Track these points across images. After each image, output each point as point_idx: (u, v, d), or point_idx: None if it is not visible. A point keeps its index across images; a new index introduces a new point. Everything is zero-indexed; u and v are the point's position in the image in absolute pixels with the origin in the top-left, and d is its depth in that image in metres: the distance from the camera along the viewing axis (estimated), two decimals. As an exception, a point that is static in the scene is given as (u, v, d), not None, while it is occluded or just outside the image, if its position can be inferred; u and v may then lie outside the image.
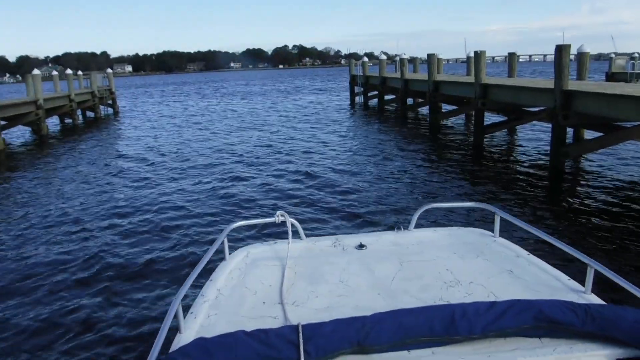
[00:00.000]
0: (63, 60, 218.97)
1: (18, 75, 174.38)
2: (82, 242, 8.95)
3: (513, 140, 17.97)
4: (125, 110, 39.86)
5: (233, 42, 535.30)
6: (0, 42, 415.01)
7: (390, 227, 3.46)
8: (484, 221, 8.40)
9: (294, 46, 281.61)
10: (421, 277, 2.52)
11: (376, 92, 31.50)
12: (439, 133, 20.33)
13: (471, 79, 19.31)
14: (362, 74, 33.41)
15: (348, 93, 39.33)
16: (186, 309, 2.22)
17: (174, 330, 2.05)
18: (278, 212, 2.95)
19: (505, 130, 18.53)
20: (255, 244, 3.12)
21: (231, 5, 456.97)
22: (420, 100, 25.89)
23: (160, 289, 6.78)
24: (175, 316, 2.00)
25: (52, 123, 30.09)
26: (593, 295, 2.29)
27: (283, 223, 2.96)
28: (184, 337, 2.04)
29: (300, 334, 1.80)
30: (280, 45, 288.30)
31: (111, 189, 13.13)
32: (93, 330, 5.84)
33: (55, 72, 30.25)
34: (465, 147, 17.04)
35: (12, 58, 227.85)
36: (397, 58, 36.11)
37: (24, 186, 13.88)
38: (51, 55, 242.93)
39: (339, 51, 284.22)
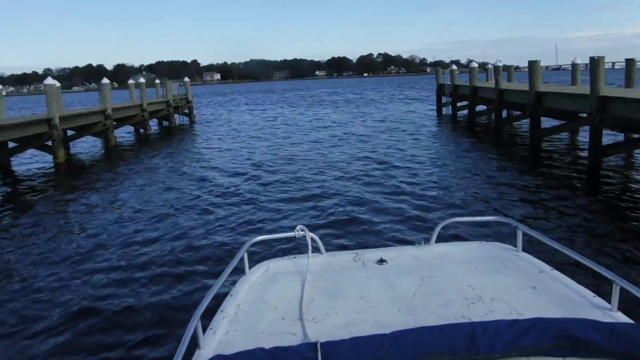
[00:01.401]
0: (156, 69, 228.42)
1: (114, 83, 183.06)
2: (109, 254, 8.88)
3: (631, 162, 14.82)
4: (203, 119, 39.07)
5: (318, 50, 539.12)
6: (99, 51, 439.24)
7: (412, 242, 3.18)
8: (506, 236, 7.43)
9: (379, 54, 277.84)
10: (442, 293, 2.45)
11: (466, 103, 28.72)
12: (541, 151, 17.45)
13: (583, 89, 16.35)
14: (450, 82, 30.64)
15: (434, 103, 36.87)
16: (206, 324, 2.20)
17: (193, 346, 2.02)
18: (298, 227, 2.89)
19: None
20: (276, 258, 3.07)
21: (317, 14, 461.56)
22: (516, 113, 23.09)
23: (181, 304, 6.61)
24: (195, 332, 1.99)
25: (126, 132, 29.55)
26: (619, 313, 2.21)
27: (303, 237, 2.89)
28: (203, 354, 2.04)
29: (319, 352, 1.77)
30: (365, 53, 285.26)
31: (164, 201, 12.45)
32: (110, 346, 5.68)
33: (131, 81, 29.62)
34: (576, 171, 14.13)
35: (109, 66, 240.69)
36: (490, 66, 33.13)
37: (77, 200, 12.95)
38: (145, 64, 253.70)
39: (424, 59, 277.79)
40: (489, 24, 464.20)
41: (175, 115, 33.72)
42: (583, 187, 12.57)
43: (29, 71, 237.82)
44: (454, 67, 30.96)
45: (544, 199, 11.28)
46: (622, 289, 2.17)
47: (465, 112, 28.96)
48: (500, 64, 22.23)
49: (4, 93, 19.15)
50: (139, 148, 23.75)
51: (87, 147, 23.91)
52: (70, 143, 23.00)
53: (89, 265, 8.28)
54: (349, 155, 18.39)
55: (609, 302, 2.26)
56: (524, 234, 2.95)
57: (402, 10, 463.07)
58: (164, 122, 33.28)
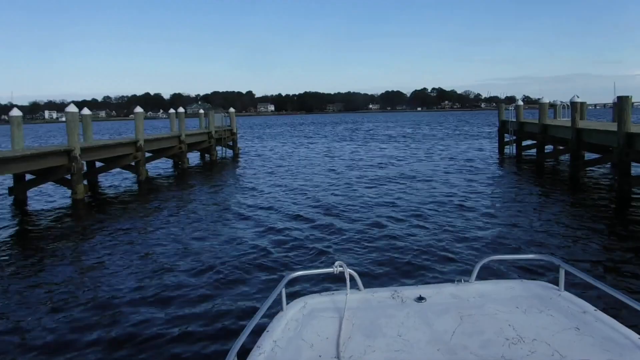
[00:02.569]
0: (212, 99, 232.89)
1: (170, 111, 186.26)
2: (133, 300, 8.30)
3: None
4: (250, 152, 37.45)
5: (371, 84, 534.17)
6: (157, 81, 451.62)
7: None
8: (548, 275, 7.35)
9: (433, 89, 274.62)
10: (482, 332, 2.41)
11: (532, 142, 26.02)
12: (629, 201, 14.58)
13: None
14: (515, 119, 27.88)
15: (494, 140, 34.14)
16: None
17: None
18: (336, 263, 2.85)
19: None
20: (313, 294, 2.99)
21: (371, 48, 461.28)
22: (589, 155, 20.20)
23: (218, 339, 6.48)
24: None
25: (163, 165, 28.02)
26: None
27: (342, 274, 2.82)
28: None
29: None
30: (418, 87, 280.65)
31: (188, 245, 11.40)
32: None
33: (172, 110, 28.09)
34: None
35: (166, 95, 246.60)
36: (559, 102, 30.13)
37: (94, 237, 11.83)
38: (201, 93, 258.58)
39: (478, 94, 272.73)
40: (546, 60, 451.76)
41: (218, 148, 32.05)
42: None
43: (88, 98, 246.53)
44: (520, 102, 28.17)
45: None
46: None
47: (532, 152, 26.47)
48: (578, 100, 19.43)
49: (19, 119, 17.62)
50: (173, 183, 21.97)
51: (115, 181, 22.21)
52: (99, 176, 21.54)
53: (120, 299, 8.07)
54: (398, 191, 17.67)
55: None
56: (567, 273, 2.86)
57: (457, 46, 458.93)
58: (206, 155, 31.63)
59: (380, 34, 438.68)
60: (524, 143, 27.54)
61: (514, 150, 28.20)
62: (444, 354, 2.20)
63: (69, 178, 16.44)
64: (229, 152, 34.34)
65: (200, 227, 12.84)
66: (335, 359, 2.21)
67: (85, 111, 21.00)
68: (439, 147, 37.88)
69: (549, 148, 25.16)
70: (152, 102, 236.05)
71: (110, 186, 20.81)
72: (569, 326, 2.43)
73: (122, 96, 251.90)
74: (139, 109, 21.83)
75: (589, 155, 21.13)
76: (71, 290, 8.54)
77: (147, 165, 25.36)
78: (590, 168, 20.63)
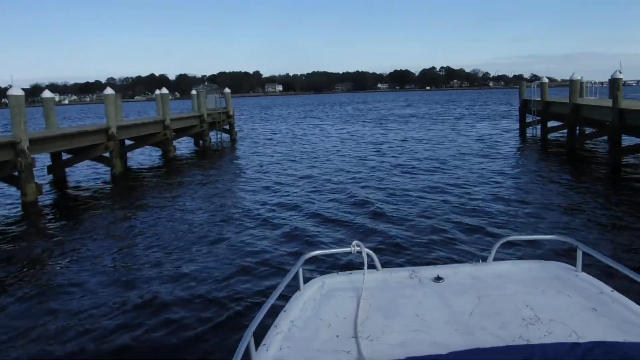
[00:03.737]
0: (218, 79, 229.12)
1: (176, 93, 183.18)
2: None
3: None
4: (250, 136, 34.76)
5: (380, 63, 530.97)
6: (162, 61, 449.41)
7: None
8: (565, 255, 6.96)
9: (442, 68, 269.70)
10: (500, 313, 2.36)
11: (558, 124, 23.26)
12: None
13: None
14: (539, 98, 24.99)
15: (509, 121, 31.28)
16: (259, 340, 2.16)
17: None
18: (354, 242, 2.80)
19: None
20: (331, 274, 2.94)
21: (379, 27, 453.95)
22: (633, 139, 17.36)
23: (234, 318, 6.45)
24: (247, 348, 1.95)
25: (150, 154, 25.42)
26: None
27: (359, 253, 2.77)
28: None
29: None
30: (427, 66, 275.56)
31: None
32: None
33: (158, 92, 25.28)
34: None
35: (172, 76, 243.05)
36: (583, 79, 26.99)
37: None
38: (207, 74, 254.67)
39: (487, 73, 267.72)
40: (553, 39, 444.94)
41: (212, 133, 29.38)
42: None
43: (92, 80, 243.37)
44: (545, 79, 25.24)
45: None
46: None
47: (556, 134, 24.01)
48: (620, 76, 16.52)
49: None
50: (154, 175, 19.26)
51: (85, 175, 19.36)
52: (69, 170, 18.98)
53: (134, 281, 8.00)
54: (419, 173, 17.16)
55: None
56: (584, 254, 2.77)
57: (464, 25, 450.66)
58: (200, 141, 28.95)
59: (388, 12, 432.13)
60: (551, 124, 24.73)
61: (538, 132, 25.44)
62: (462, 334, 2.14)
63: (17, 176, 13.82)
64: (226, 137, 31.61)
65: (209, 213, 12.32)
66: (353, 338, 2.17)
67: (47, 94, 18.25)
68: (458, 128, 35.24)
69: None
70: (157, 84, 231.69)
71: (77, 182, 18.11)
72: (586, 307, 2.37)
73: (127, 77, 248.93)
74: (109, 90, 18.87)
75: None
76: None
77: (130, 156, 22.85)
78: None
